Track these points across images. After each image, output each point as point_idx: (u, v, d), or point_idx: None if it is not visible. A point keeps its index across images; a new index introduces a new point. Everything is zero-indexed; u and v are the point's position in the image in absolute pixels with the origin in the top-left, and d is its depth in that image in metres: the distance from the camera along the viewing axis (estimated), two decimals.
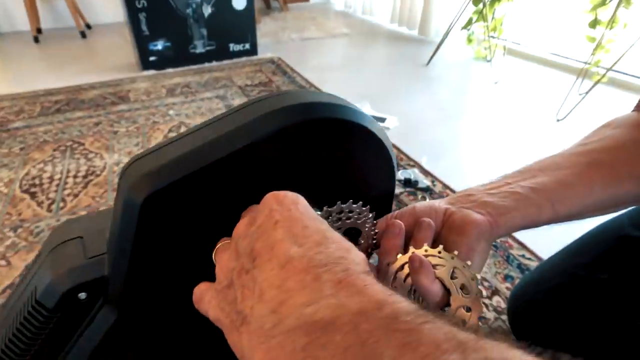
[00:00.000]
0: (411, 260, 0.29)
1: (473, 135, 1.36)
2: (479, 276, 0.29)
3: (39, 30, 2.60)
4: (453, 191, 1.06)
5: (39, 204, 0.99)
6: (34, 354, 0.30)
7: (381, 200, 0.41)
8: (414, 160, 1.19)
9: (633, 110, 0.45)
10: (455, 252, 0.29)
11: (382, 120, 1.42)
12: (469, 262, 0.29)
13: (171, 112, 1.53)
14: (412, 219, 0.33)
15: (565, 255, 0.62)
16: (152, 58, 1.97)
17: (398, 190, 1.05)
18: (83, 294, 0.31)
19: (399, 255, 0.30)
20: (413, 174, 1.11)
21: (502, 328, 0.70)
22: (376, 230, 0.33)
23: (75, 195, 1.03)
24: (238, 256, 0.22)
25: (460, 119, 1.49)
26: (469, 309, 0.29)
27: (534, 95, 1.62)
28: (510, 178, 0.38)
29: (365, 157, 0.36)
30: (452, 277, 0.29)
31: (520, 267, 0.83)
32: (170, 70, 1.99)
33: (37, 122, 1.45)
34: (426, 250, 0.30)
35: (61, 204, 0.99)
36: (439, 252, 0.29)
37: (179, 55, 2.02)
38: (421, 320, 0.15)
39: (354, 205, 0.31)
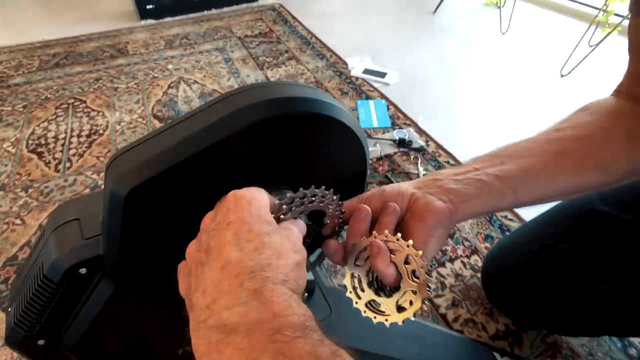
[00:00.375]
0: (371, 245, 0.32)
1: (473, 92, 1.34)
2: (428, 265, 0.32)
3: None
4: (446, 152, 1.07)
5: (47, 164, 1.04)
6: (44, 322, 0.36)
7: (354, 181, 0.44)
8: (410, 119, 1.19)
9: (612, 94, 0.45)
10: (411, 242, 0.32)
11: (383, 75, 1.40)
12: (420, 252, 0.32)
13: (170, 66, 1.52)
14: (380, 202, 0.36)
15: (538, 223, 0.65)
16: (149, 6, 1.90)
17: (392, 150, 1.07)
18: (83, 269, 0.36)
19: (363, 238, 0.34)
20: (408, 133, 1.12)
21: (477, 285, 0.76)
22: (343, 210, 0.36)
23: (81, 155, 1.07)
24: (199, 248, 0.26)
25: (463, 74, 1.45)
26: (416, 292, 0.33)
27: (542, 47, 1.56)
28: (479, 162, 0.39)
29: (338, 145, 0.39)
30: (405, 263, 0.32)
31: (502, 228, 0.87)
32: (168, 19, 1.93)
33: (37, 77, 1.46)
34: (386, 237, 0.33)
35: (67, 164, 1.04)
36: (397, 240, 0.32)
37: (177, 3, 1.94)
38: (297, 335, 0.19)
39: (317, 190, 0.33)
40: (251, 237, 0.24)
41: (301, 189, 0.33)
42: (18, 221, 0.87)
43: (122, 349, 0.45)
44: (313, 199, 0.33)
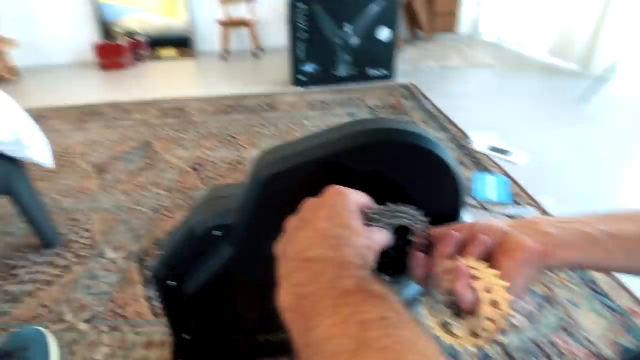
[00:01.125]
0: (453, 267, 0.34)
1: (618, 184, 1.20)
2: (512, 298, 0.31)
3: (226, 51, 3.27)
4: None
5: (200, 178, 1.31)
6: (178, 267, 0.46)
7: (447, 217, 0.45)
8: (534, 200, 1.12)
9: None
10: (498, 272, 0.32)
11: (508, 154, 1.37)
12: (507, 284, 0.31)
13: (306, 121, 1.77)
14: (469, 233, 0.36)
15: None
16: (302, 77, 2.29)
17: None
18: (218, 232, 0.46)
19: (447, 260, 0.35)
20: (527, 212, 1.06)
21: None
22: (428, 232, 0.38)
23: (222, 176, 1.32)
24: (298, 219, 0.33)
25: (609, 165, 1.32)
26: (492, 321, 0.32)
27: None
28: (593, 218, 0.37)
29: (434, 178, 0.42)
30: (487, 291, 0.32)
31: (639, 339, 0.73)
32: (315, 88, 2.27)
33: (210, 118, 1.86)
34: (470, 262, 0.33)
35: (214, 181, 1.29)
36: (483, 267, 0.33)
37: (324, 77, 2.29)
38: (355, 266, 0.27)
39: (406, 207, 0.36)
40: (339, 218, 0.31)
41: (390, 203, 0.36)
42: (169, 214, 1.11)
43: (222, 314, 0.53)
44: (401, 215, 0.36)
